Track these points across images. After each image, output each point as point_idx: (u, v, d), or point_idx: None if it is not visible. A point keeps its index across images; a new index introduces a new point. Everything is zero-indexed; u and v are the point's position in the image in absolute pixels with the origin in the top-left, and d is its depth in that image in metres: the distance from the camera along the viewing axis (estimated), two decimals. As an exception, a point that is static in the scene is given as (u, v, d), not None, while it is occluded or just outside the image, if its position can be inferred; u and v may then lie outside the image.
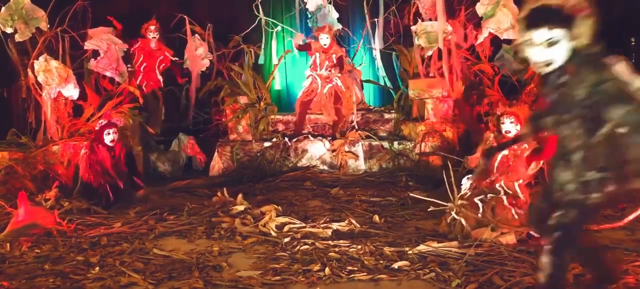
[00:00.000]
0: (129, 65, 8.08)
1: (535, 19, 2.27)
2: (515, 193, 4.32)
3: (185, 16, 8.41)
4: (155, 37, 8.17)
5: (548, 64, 2.28)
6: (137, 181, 5.98)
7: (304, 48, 8.18)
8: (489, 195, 4.32)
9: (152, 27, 8.17)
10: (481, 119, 6.94)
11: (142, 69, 8.12)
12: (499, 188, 4.36)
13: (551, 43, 2.25)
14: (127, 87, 7.55)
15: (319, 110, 7.85)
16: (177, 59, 8.44)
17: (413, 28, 7.33)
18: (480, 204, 4.26)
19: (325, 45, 7.76)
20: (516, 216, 4.22)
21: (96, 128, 5.82)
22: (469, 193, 4.36)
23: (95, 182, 5.66)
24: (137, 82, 8.02)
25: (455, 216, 4.24)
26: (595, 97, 2.17)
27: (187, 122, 8.50)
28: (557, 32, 2.24)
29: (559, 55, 2.26)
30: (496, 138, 4.55)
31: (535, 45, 2.27)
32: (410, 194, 4.26)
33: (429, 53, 7.26)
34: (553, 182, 2.38)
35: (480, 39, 7.06)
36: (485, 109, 6.92)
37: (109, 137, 5.72)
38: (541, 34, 2.25)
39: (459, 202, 4.22)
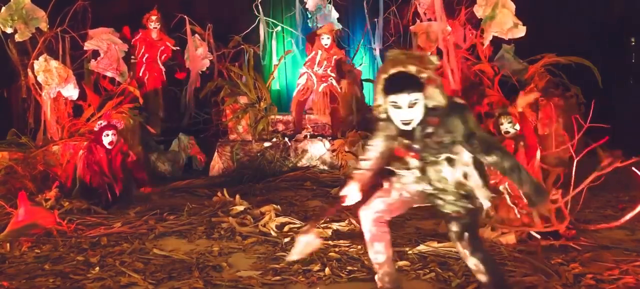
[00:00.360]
0: (132, 57, 8.11)
1: (398, 85, 2.62)
2: (518, 194, 4.30)
3: (185, 16, 8.42)
4: (156, 28, 8.20)
5: (409, 123, 2.66)
6: (142, 180, 5.99)
7: (310, 39, 8.20)
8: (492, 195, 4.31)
9: (154, 18, 8.21)
10: (481, 119, 6.93)
11: (144, 60, 8.15)
12: (503, 189, 4.34)
13: (412, 104, 2.61)
14: (127, 87, 7.55)
15: (317, 110, 7.87)
16: (178, 48, 8.46)
17: (412, 28, 7.33)
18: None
19: (326, 45, 7.79)
20: (519, 216, 4.21)
21: (95, 129, 5.81)
22: None
23: (94, 183, 5.66)
24: (139, 74, 8.05)
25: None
26: (468, 143, 2.65)
27: (185, 122, 8.51)
28: (416, 95, 2.60)
29: (418, 114, 2.64)
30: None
31: (398, 106, 2.63)
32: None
33: (428, 53, 7.26)
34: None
35: (486, 43, 7.05)
36: (485, 109, 6.91)
37: (107, 139, 5.72)
38: (404, 98, 2.60)
39: None
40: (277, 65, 8.61)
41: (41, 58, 6.93)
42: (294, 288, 3.43)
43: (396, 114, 2.67)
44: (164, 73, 8.35)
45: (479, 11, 6.98)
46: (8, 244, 4.31)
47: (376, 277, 3.07)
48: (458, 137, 2.65)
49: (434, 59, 2.71)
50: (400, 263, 3.73)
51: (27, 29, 7.03)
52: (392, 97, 2.63)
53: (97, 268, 3.79)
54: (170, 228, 4.83)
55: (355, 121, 7.72)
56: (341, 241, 4.26)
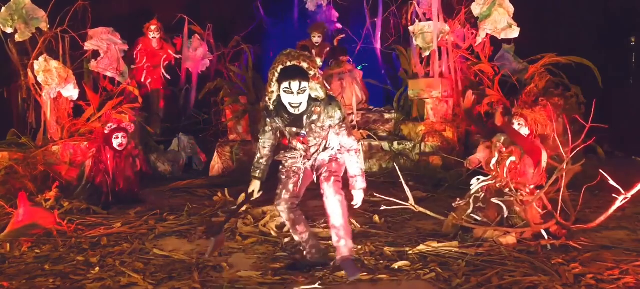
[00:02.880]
0: (132, 66, 8.12)
1: (293, 73, 3.25)
2: (525, 196, 4.28)
3: (185, 16, 8.42)
4: (156, 37, 8.20)
5: (297, 106, 3.29)
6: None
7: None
8: (506, 197, 4.28)
9: (153, 27, 8.20)
10: (482, 119, 6.94)
11: (145, 68, 8.17)
12: (510, 192, 4.31)
13: (301, 90, 3.26)
14: (127, 87, 7.56)
15: None
16: (180, 56, 8.48)
17: (411, 28, 7.33)
18: (502, 205, 4.23)
19: (316, 44, 7.93)
20: (542, 212, 4.20)
21: (106, 131, 5.83)
22: (482, 194, 4.33)
23: (99, 183, 5.68)
24: (142, 79, 8.08)
25: (477, 217, 4.26)
26: (338, 128, 3.39)
27: (184, 122, 8.51)
28: (305, 84, 3.26)
29: (304, 100, 3.30)
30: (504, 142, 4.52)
31: (290, 92, 3.25)
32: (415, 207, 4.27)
33: (427, 53, 7.26)
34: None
35: (479, 40, 7.06)
36: (485, 109, 6.92)
37: (117, 141, 5.75)
38: (295, 85, 3.24)
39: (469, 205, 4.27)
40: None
41: (41, 58, 6.94)
42: (294, 288, 3.42)
43: (287, 98, 3.29)
44: (164, 79, 8.39)
45: (476, 9, 6.99)
46: (8, 244, 4.31)
47: (304, 252, 3.66)
48: (335, 121, 3.36)
49: (318, 60, 3.27)
50: (400, 263, 3.73)
51: (27, 29, 7.03)
52: (285, 84, 3.25)
53: (97, 268, 3.79)
54: (170, 228, 4.83)
55: (354, 121, 7.72)
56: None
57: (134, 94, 7.50)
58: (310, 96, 3.32)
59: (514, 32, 6.88)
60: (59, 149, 6.90)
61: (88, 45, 7.57)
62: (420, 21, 7.30)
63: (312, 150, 3.47)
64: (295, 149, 3.52)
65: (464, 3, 7.26)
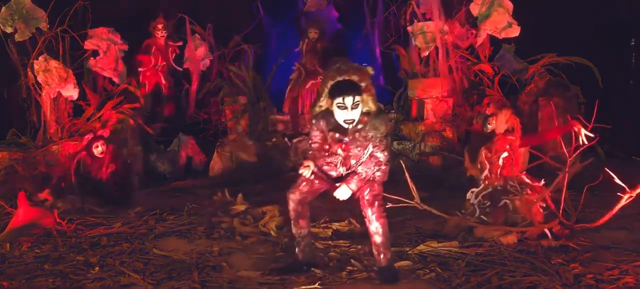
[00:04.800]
0: (140, 69, 8.21)
1: (346, 88, 3.22)
2: (527, 185, 4.32)
3: (186, 16, 8.43)
4: (163, 35, 8.29)
5: (352, 122, 3.27)
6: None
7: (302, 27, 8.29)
8: (509, 194, 4.31)
9: (160, 25, 8.26)
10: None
11: (160, 68, 8.28)
12: (511, 188, 4.33)
13: (355, 105, 3.23)
14: (128, 87, 7.56)
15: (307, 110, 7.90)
16: (178, 51, 8.55)
17: (410, 28, 7.33)
18: (508, 203, 4.25)
19: (313, 39, 7.92)
20: (541, 208, 4.22)
21: (84, 143, 5.91)
22: (487, 202, 4.36)
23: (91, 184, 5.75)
24: (162, 80, 8.19)
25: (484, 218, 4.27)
26: (379, 141, 3.32)
27: (184, 122, 8.52)
28: (358, 98, 3.23)
29: (358, 115, 3.27)
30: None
31: (344, 107, 3.22)
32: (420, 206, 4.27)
33: (426, 53, 7.26)
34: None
35: (479, 41, 7.06)
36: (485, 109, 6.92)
37: (97, 150, 5.82)
38: (349, 100, 3.21)
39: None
40: (276, 65, 8.61)
41: (41, 58, 6.94)
42: (294, 288, 3.42)
43: (341, 114, 3.26)
44: (173, 72, 8.49)
45: (475, 9, 6.98)
46: (8, 244, 4.31)
47: (297, 249, 3.64)
48: (379, 134, 3.31)
49: (370, 70, 3.34)
50: (400, 263, 3.73)
51: (27, 29, 7.03)
52: (339, 99, 3.22)
53: (97, 268, 3.79)
54: (170, 228, 4.83)
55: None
56: (341, 241, 4.26)
57: (139, 91, 7.56)
58: (362, 109, 3.28)
59: (514, 31, 6.88)
60: (59, 149, 6.90)
61: (88, 45, 7.58)
62: (419, 21, 7.29)
63: (352, 161, 3.40)
64: (335, 154, 3.44)
65: (463, 3, 7.25)
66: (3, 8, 7.00)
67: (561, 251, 3.94)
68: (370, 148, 3.32)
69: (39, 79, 6.92)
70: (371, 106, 3.28)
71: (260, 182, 6.73)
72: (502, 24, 6.83)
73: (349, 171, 3.41)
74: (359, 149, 3.36)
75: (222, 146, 7.62)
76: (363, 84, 3.24)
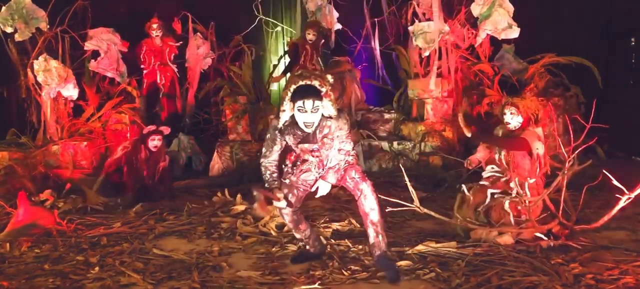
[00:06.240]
0: (142, 67, 8.19)
1: (306, 92, 3.36)
2: (523, 192, 4.24)
3: (188, 14, 8.43)
4: (158, 35, 8.25)
5: (311, 125, 3.42)
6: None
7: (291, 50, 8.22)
8: (496, 196, 4.26)
9: (155, 25, 8.23)
10: (482, 119, 6.94)
11: (157, 68, 8.24)
12: (512, 188, 4.28)
13: (314, 109, 3.37)
14: (127, 87, 7.56)
15: None
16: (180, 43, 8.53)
17: (410, 28, 7.32)
18: (488, 197, 4.25)
19: (311, 41, 7.91)
20: (513, 222, 4.17)
21: (143, 132, 5.98)
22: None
23: (126, 179, 5.82)
24: (157, 80, 8.16)
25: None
26: (344, 136, 3.53)
27: (184, 122, 8.51)
28: (318, 102, 3.37)
29: (318, 118, 3.42)
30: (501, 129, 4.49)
31: (304, 110, 3.36)
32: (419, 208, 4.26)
33: (427, 53, 7.26)
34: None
35: (479, 41, 7.06)
36: (485, 109, 6.92)
37: (153, 143, 5.88)
38: (310, 103, 3.35)
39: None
40: (276, 65, 8.61)
41: (41, 58, 6.94)
42: (293, 288, 3.42)
43: (301, 116, 3.40)
44: (175, 71, 8.45)
45: (476, 9, 6.98)
46: (8, 244, 4.31)
47: (307, 247, 3.86)
48: (345, 132, 3.51)
49: (329, 77, 3.48)
50: (401, 263, 3.73)
51: (27, 29, 7.04)
52: (299, 103, 3.36)
53: (97, 268, 3.79)
54: (170, 228, 4.83)
55: (353, 121, 7.71)
56: (341, 241, 4.26)
57: (136, 92, 7.54)
58: (322, 113, 3.44)
59: (514, 32, 6.88)
60: (59, 149, 6.90)
61: (88, 45, 7.58)
62: (419, 21, 7.29)
63: (325, 161, 3.60)
64: (308, 162, 3.63)
65: (464, 3, 7.25)
66: (3, 8, 7.00)
67: (561, 251, 3.94)
68: (337, 144, 3.53)
69: (39, 79, 6.92)
70: (331, 110, 3.45)
71: (260, 182, 6.72)
72: (502, 24, 6.83)
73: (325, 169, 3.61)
74: (329, 150, 3.56)
75: (222, 146, 7.62)
76: (323, 90, 3.40)
